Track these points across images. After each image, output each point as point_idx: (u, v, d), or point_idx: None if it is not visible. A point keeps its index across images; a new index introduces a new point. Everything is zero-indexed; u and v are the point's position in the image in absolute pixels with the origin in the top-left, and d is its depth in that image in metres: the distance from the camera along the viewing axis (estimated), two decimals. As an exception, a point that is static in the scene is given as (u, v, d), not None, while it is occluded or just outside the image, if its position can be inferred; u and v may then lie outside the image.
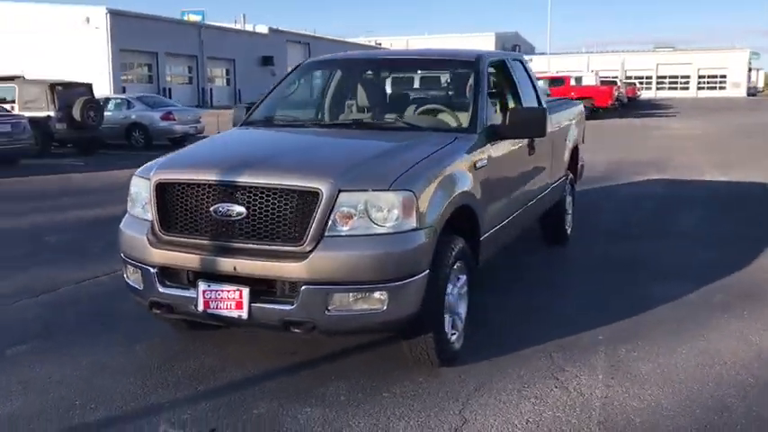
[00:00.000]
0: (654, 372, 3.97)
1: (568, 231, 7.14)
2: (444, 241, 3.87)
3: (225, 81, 47.65)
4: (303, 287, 3.46)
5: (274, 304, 3.55)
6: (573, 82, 29.63)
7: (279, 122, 5.03)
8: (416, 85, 5.51)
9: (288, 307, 3.50)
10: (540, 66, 49.35)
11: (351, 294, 3.48)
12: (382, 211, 3.52)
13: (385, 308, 3.51)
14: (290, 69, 5.55)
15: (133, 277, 3.99)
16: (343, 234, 3.50)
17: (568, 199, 7.10)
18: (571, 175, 7.14)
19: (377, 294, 3.49)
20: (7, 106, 16.20)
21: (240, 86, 46.08)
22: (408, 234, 3.56)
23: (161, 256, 3.79)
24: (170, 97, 37.16)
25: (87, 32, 36.28)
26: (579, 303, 5.22)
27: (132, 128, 18.35)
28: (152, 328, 4.56)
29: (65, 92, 16.59)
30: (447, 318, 4.00)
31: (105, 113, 17.70)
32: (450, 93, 5.11)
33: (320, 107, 5.43)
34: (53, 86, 16.52)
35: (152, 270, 3.84)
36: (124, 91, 35.27)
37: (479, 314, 4.74)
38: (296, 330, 3.55)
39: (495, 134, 4.61)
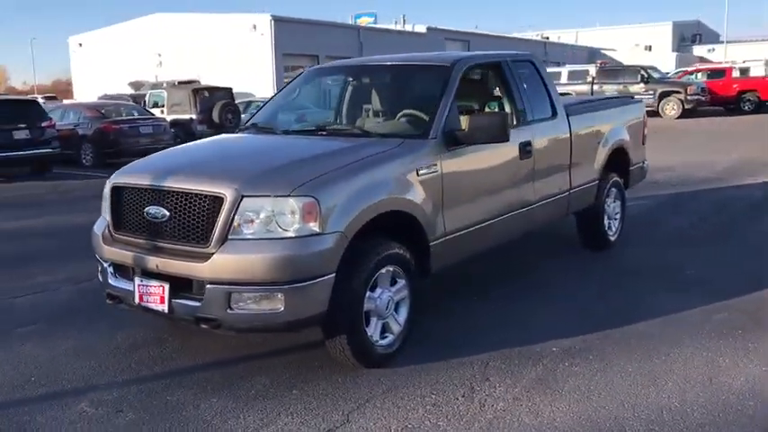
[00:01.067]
0: (576, 389, 3.82)
1: (611, 236, 6.81)
2: (363, 246, 3.95)
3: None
4: (207, 286, 3.72)
5: (188, 300, 3.84)
6: (736, 73, 27.25)
7: (262, 128, 5.31)
8: (397, 90, 5.57)
9: (198, 304, 3.78)
10: (718, 56, 45.79)
11: (251, 294, 3.68)
12: (283, 216, 3.70)
13: (283, 308, 3.68)
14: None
15: (99, 272, 4.47)
16: (244, 237, 3.72)
17: (611, 203, 6.77)
18: (615, 179, 6.79)
19: (276, 295, 3.67)
20: (158, 110, 17.90)
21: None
22: (309, 238, 3.70)
23: (111, 252, 4.23)
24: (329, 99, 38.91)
25: (254, 39, 38.84)
26: (563, 311, 5.06)
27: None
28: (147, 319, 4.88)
29: (206, 96, 18.01)
30: (374, 321, 4.09)
31: (244, 116, 18.94)
32: (420, 98, 5.12)
33: (301, 114, 5.64)
34: (196, 91, 18.02)
35: (106, 265, 4.29)
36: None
37: (445, 318, 4.77)
38: (204, 326, 3.81)
39: (454, 140, 4.59)
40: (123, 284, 4.18)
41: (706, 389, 3.76)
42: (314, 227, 3.71)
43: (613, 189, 6.82)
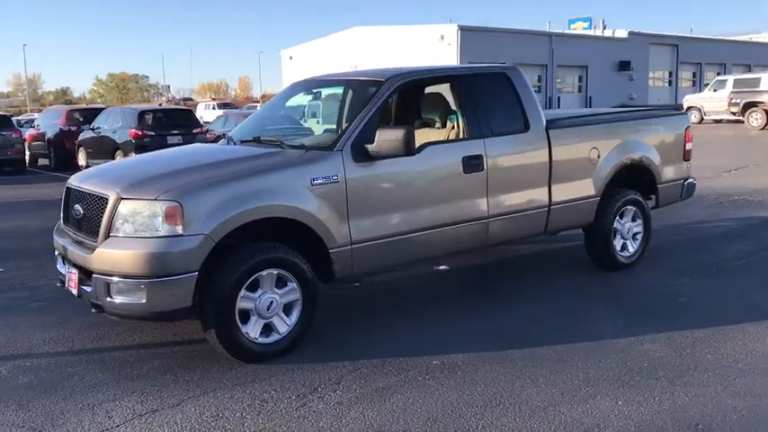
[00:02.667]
0: (402, 402, 3.87)
1: (624, 258, 6.45)
2: (237, 248, 4.32)
3: (576, 88, 47.46)
4: (93, 275, 4.32)
5: (88, 287, 4.46)
6: None
7: (226, 138, 5.82)
8: (339, 105, 5.75)
9: (91, 290, 4.39)
10: None
11: (122, 286, 4.20)
12: (150, 218, 4.18)
13: (145, 301, 4.16)
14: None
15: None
16: (120, 235, 4.26)
17: (626, 222, 6.42)
18: (632, 197, 6.43)
19: (140, 288, 4.16)
20: (314, 120, 19.20)
21: (591, 93, 45.50)
22: (171, 239, 4.15)
23: (56, 242, 4.98)
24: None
25: (441, 49, 39.70)
26: (491, 327, 5.01)
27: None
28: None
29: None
30: (254, 319, 4.43)
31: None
32: (351, 112, 5.30)
33: (264, 124, 6.03)
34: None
35: (56, 253, 5.05)
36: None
37: (352, 324, 4.98)
38: (94, 311, 4.40)
39: (365, 154, 4.77)
40: (63, 270, 4.90)
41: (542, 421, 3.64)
42: (177, 228, 4.13)
43: (629, 207, 6.45)
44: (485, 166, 5.35)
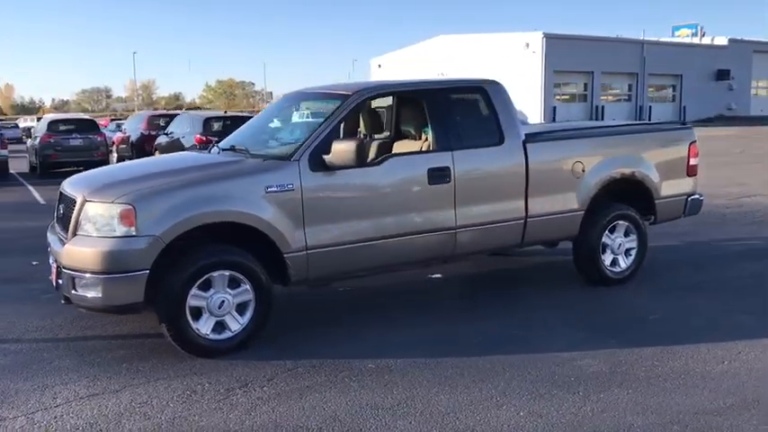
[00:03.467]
0: (315, 401, 4.09)
1: (613, 273, 6.39)
2: (189, 249, 4.66)
3: (671, 97, 45.82)
4: (62, 270, 4.76)
5: (61, 280, 4.91)
6: None
7: (215, 146, 6.17)
8: (309, 116, 5.98)
9: (62, 283, 4.84)
10: None
11: (82, 280, 4.62)
12: (107, 219, 4.58)
13: (101, 295, 4.56)
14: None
15: None
16: (84, 234, 4.68)
17: (616, 237, 6.37)
18: (624, 212, 6.38)
19: (96, 283, 4.56)
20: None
21: (686, 103, 43.83)
22: (124, 239, 4.53)
23: (48, 240, 5.48)
24: (602, 116, 37.85)
25: (525, 56, 39.30)
26: (444, 336, 5.14)
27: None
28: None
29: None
30: (206, 316, 4.75)
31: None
32: (317, 125, 5.53)
33: (248, 134, 6.32)
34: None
35: (48, 249, 5.55)
36: (554, 111, 37.36)
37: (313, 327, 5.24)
38: (63, 302, 4.84)
39: (322, 164, 5.01)
40: (51, 264, 5.39)
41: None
42: (131, 229, 4.51)
43: (621, 222, 6.39)
44: (452, 178, 5.47)
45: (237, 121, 16.28)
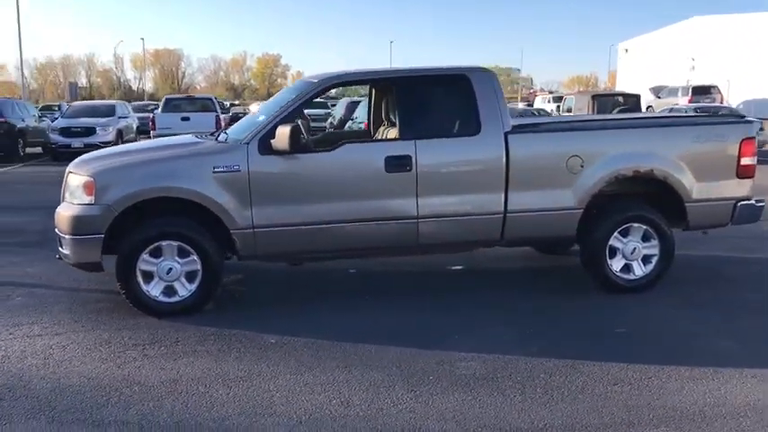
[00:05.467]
0: (170, 356, 4.49)
1: (623, 281, 5.84)
2: (141, 219, 5.30)
3: None
4: (56, 229, 5.68)
5: (60, 239, 5.81)
6: None
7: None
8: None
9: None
10: None
11: (62, 240, 5.48)
12: (77, 188, 5.37)
13: (70, 253, 5.39)
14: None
15: None
16: (65, 200, 5.52)
17: (630, 241, 5.80)
18: (640, 214, 5.82)
19: (66, 243, 5.39)
20: (569, 115, 18.95)
21: None
22: (85, 206, 5.27)
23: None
24: None
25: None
26: (375, 325, 5.18)
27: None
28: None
29: (603, 101, 18.24)
30: (155, 281, 5.37)
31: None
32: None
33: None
34: (594, 97, 18.39)
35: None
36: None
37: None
38: (57, 257, 5.75)
39: (270, 147, 5.34)
40: None
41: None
42: (90, 198, 5.25)
43: (637, 225, 5.82)
44: (414, 167, 5.44)
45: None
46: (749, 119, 6.23)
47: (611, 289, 5.82)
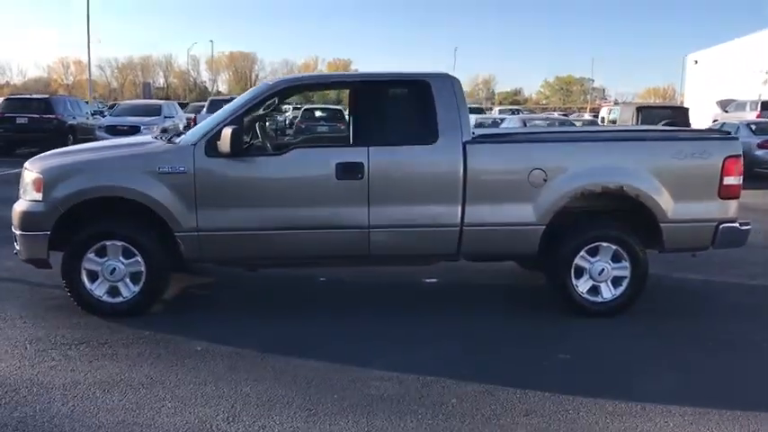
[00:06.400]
0: (86, 357, 4.44)
1: (591, 304, 5.49)
2: (85, 218, 5.29)
3: None
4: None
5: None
6: None
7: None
8: None
9: (18, 237, 5.79)
10: None
11: (14, 236, 5.51)
12: (30, 185, 5.38)
13: (20, 248, 5.42)
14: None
15: None
16: (20, 197, 5.55)
17: (599, 262, 5.45)
18: (610, 233, 5.48)
19: (17, 239, 5.42)
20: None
21: None
22: (33, 203, 5.29)
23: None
24: None
25: None
26: (304, 335, 5.04)
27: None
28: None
29: (648, 113, 17.59)
30: (100, 280, 5.34)
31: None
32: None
33: None
34: (639, 109, 17.75)
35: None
36: None
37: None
38: (15, 252, 5.80)
39: (215, 150, 5.25)
40: None
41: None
42: (38, 196, 5.26)
43: (606, 245, 5.48)
44: (365, 174, 5.26)
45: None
46: (734, 135, 5.75)
47: (577, 311, 5.48)
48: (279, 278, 6.46)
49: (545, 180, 5.32)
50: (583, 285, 5.48)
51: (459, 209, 5.33)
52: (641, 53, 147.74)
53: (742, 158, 5.51)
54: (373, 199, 5.27)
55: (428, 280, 6.59)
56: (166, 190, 5.18)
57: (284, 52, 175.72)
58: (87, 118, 22.07)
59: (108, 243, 5.24)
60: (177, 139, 5.53)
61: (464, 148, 5.30)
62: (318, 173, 5.28)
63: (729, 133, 6.00)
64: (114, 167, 5.28)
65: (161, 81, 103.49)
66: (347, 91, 6.72)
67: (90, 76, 44.83)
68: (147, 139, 5.97)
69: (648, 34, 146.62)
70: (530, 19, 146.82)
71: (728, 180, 5.44)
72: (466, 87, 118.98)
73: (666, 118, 17.42)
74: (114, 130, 19.99)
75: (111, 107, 33.25)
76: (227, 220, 5.25)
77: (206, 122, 5.44)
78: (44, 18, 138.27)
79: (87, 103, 27.11)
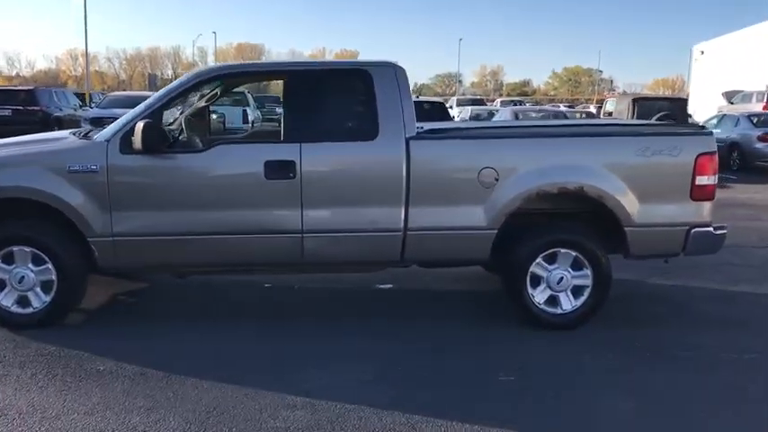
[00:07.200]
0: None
1: (549, 315, 4.99)
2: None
3: None
4: None
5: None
6: None
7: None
8: None
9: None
10: None
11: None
12: None
13: None
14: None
15: None
16: None
17: (557, 269, 4.95)
18: (567, 237, 4.99)
19: None
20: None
21: None
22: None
23: None
24: None
25: None
26: (222, 351, 4.58)
27: (732, 148, 16.94)
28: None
29: (644, 105, 17.00)
30: (7, 290, 4.86)
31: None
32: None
33: None
34: (635, 100, 17.15)
35: None
36: None
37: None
38: None
39: (129, 147, 4.76)
40: None
41: None
42: None
43: (565, 251, 4.97)
44: (298, 174, 4.76)
45: (425, 107, 16.01)
46: (708, 130, 5.21)
47: (534, 323, 4.98)
48: (218, 284, 5.96)
49: (496, 179, 4.80)
50: (540, 295, 4.98)
51: (402, 212, 4.82)
52: (651, 44, 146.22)
53: (716, 156, 4.96)
54: (307, 201, 4.78)
55: (382, 286, 6.08)
56: (77, 190, 4.70)
57: (291, 43, 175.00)
58: (75, 110, 21.63)
59: (15, 249, 4.76)
60: (94, 135, 5.02)
61: (407, 145, 4.79)
62: (245, 172, 4.79)
63: (704, 128, 5.44)
64: (19, 165, 4.80)
65: (169, 73, 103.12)
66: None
67: (88, 67, 44.19)
68: (63, 134, 5.46)
69: (658, 24, 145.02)
70: (539, 8, 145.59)
71: (701, 180, 4.91)
72: (473, 78, 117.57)
73: (663, 110, 16.79)
74: (100, 123, 19.41)
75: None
76: (145, 224, 4.77)
77: (124, 117, 4.93)
78: (52, 9, 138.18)
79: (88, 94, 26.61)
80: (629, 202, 4.86)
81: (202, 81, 5.02)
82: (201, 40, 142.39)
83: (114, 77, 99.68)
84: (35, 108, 19.26)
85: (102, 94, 44.71)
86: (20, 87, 21.42)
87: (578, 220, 5.06)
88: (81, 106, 22.97)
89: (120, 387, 3.95)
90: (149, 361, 4.30)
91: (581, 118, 18.61)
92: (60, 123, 19.97)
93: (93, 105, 25.16)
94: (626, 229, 4.90)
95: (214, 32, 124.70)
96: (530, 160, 4.84)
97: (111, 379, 4.06)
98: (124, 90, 63.82)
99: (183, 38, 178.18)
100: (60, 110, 20.34)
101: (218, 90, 6.13)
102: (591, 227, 5.04)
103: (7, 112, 19.09)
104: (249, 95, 21.60)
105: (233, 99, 20.56)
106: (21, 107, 19.16)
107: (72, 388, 3.94)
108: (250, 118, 20.03)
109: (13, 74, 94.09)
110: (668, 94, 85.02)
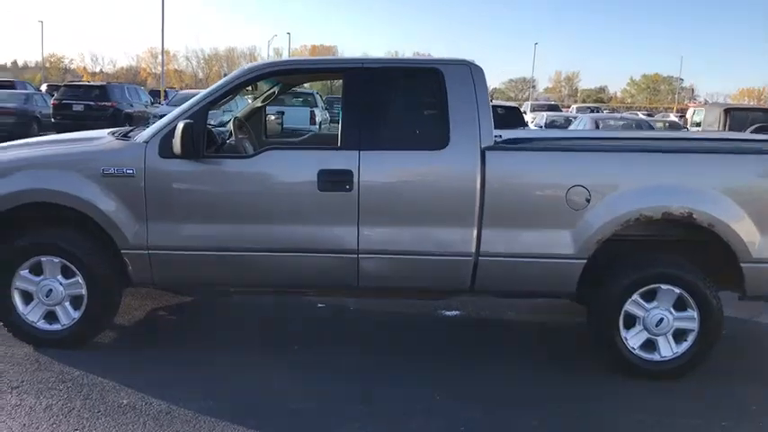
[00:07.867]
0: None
1: (644, 362, 4.24)
2: (15, 229, 4.39)
3: None
4: None
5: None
6: None
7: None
8: None
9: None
10: None
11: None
12: None
13: None
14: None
15: None
16: None
17: (656, 308, 4.18)
18: (671, 271, 4.21)
19: None
20: (696, 128, 16.79)
21: None
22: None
23: None
24: None
25: None
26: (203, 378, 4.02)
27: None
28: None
29: (737, 116, 15.81)
30: (35, 303, 4.41)
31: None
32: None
33: None
34: (728, 111, 15.98)
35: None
36: None
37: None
38: None
39: (170, 150, 4.25)
40: None
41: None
42: None
43: (667, 288, 4.20)
44: (355, 186, 4.15)
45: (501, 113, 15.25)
46: None
47: (626, 370, 4.22)
48: (267, 302, 5.41)
49: (588, 200, 4.07)
50: (634, 339, 4.22)
51: (475, 233, 4.15)
52: (735, 51, 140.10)
53: None
54: (364, 217, 4.16)
55: (447, 312, 5.41)
56: (111, 197, 4.21)
57: (365, 46, 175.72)
58: (146, 106, 21.69)
59: (44, 259, 4.30)
60: (134, 136, 4.53)
61: (483, 156, 4.11)
62: (297, 182, 4.21)
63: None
64: (48, 167, 4.33)
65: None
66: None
67: (163, 64, 44.82)
68: (99, 134, 4.97)
69: (745, 29, 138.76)
70: (618, 14, 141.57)
71: (836, 207, 4.05)
72: (547, 83, 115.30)
73: (759, 122, 15.48)
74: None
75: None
76: (184, 237, 4.25)
77: (167, 116, 4.41)
78: (134, 7, 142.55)
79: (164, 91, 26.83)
80: (748, 233, 4.05)
81: (253, 77, 4.45)
82: (276, 42, 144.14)
83: (192, 76, 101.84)
84: (107, 104, 19.34)
85: (178, 91, 45.59)
86: (92, 83, 21.58)
87: (683, 250, 4.26)
88: (153, 103, 23.01)
89: (140, 429, 3.39)
90: (178, 395, 3.77)
91: (665, 128, 17.48)
92: (131, 119, 20.05)
93: (165, 102, 25.27)
94: (743, 265, 4.08)
95: (288, 33, 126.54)
96: (628, 179, 4.09)
97: (132, 417, 3.53)
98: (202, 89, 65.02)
99: (259, 39, 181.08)
100: (131, 106, 20.39)
101: (275, 89, 5.59)
102: (697, 259, 4.23)
103: (80, 108, 19.23)
104: (318, 96, 21.18)
105: (302, 99, 20.22)
106: (93, 102, 19.28)
107: (87, 427, 3.41)
108: (317, 119, 19.59)
109: (97, 70, 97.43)
110: (755, 104, 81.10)
